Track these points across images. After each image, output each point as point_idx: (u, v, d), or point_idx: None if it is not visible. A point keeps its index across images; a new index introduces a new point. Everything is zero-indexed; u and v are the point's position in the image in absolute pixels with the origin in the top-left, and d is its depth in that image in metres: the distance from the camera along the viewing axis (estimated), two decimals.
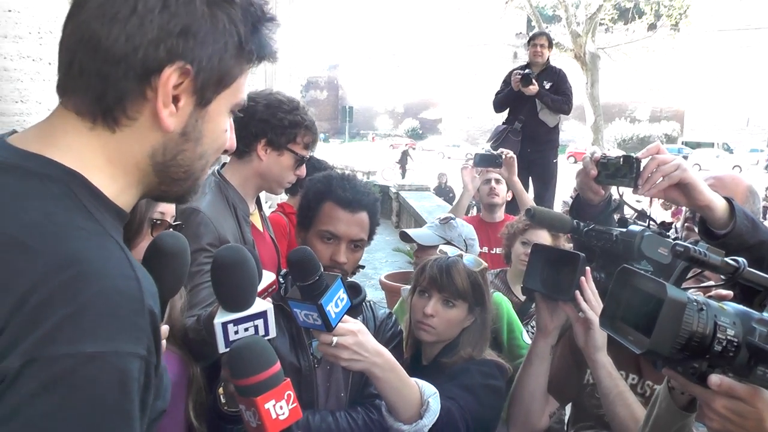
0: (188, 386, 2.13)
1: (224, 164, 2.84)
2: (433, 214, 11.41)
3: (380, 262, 11.21)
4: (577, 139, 47.04)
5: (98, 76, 1.01)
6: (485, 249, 4.47)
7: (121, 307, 0.92)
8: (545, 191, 7.49)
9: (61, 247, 0.92)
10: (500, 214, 4.74)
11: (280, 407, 1.32)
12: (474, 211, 11.06)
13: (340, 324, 1.75)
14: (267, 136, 2.73)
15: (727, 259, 1.34)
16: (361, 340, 1.80)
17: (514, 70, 8.09)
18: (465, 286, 2.41)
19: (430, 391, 1.96)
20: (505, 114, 7.84)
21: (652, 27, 34.10)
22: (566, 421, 2.59)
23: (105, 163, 1.05)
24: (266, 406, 1.31)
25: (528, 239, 3.41)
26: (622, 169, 2.03)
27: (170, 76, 1.01)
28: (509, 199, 4.80)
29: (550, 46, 7.84)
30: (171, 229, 2.07)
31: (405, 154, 36.23)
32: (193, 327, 2.03)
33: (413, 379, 1.95)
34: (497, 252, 4.53)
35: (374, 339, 1.87)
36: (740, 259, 1.34)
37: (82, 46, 1.01)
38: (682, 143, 55.28)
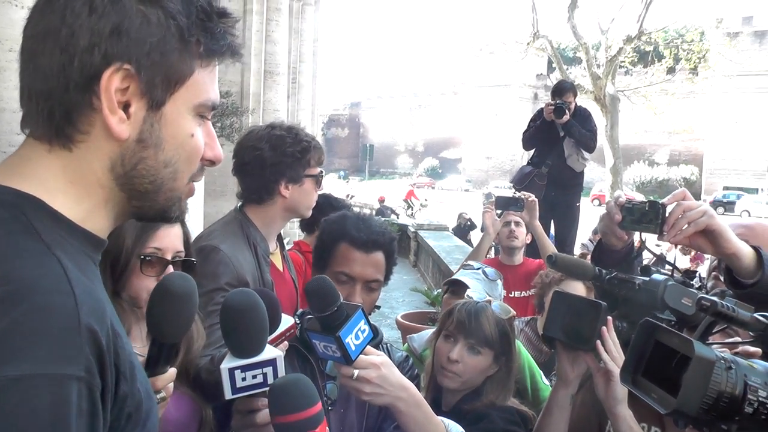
0: (198, 429, 2.09)
1: (243, 203, 2.83)
2: (451, 255, 11.38)
3: (397, 301, 11.16)
4: (596, 181, 47.03)
5: (44, 95, 0.98)
6: (504, 292, 4.43)
7: (52, 325, 0.86)
8: (567, 234, 7.44)
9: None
10: (519, 257, 4.71)
11: None
12: (492, 253, 11.01)
13: (361, 356, 1.68)
14: (286, 176, 2.73)
15: (756, 315, 1.30)
16: (384, 373, 1.73)
17: (542, 109, 8.07)
18: (492, 333, 2.37)
19: (456, 429, 1.90)
20: (528, 154, 7.81)
21: (671, 70, 34.15)
22: None
23: (67, 186, 1.01)
24: None
25: (563, 289, 3.35)
26: (648, 215, 2.00)
27: (110, 79, 0.97)
28: (528, 242, 4.76)
29: (575, 96, 7.76)
30: (181, 268, 2.06)
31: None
32: (206, 367, 1.99)
33: (439, 417, 1.88)
34: (515, 295, 4.49)
35: (399, 372, 1.80)
36: None
37: (27, 70, 1.00)
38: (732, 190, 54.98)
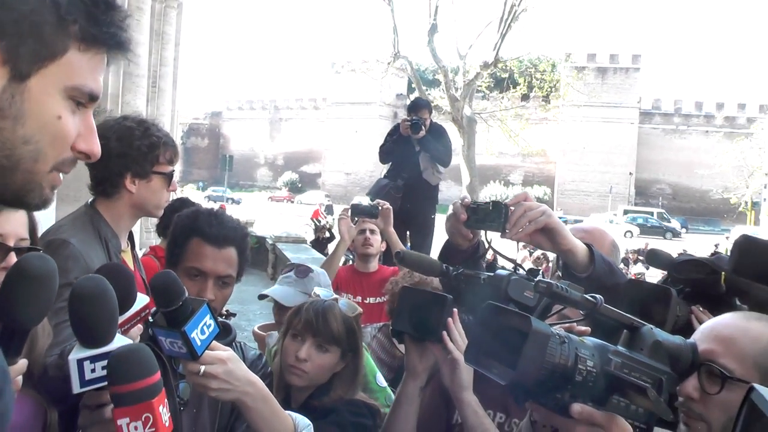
0: None
1: (95, 199, 2.72)
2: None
3: (254, 314, 10.99)
4: (454, 199, 48.46)
5: None
6: (359, 298, 4.49)
7: None
8: (422, 244, 7.62)
9: None
10: (374, 264, 4.78)
11: (134, 427, 1.24)
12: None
13: (207, 352, 1.66)
14: (131, 170, 2.63)
15: (585, 295, 1.41)
16: (231, 368, 1.72)
17: (398, 124, 8.28)
18: (340, 331, 2.39)
19: (304, 423, 1.90)
20: (385, 168, 7.98)
21: (525, 97, 35.86)
22: None
23: None
24: (119, 422, 1.24)
25: None
26: (491, 215, 2.11)
27: None
28: (383, 249, 4.85)
29: (430, 113, 8.05)
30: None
31: (329, 208, 35.38)
32: (55, 363, 1.88)
33: (287, 412, 1.89)
34: (370, 301, 4.56)
35: (246, 367, 1.79)
36: (597, 296, 1.42)
37: None
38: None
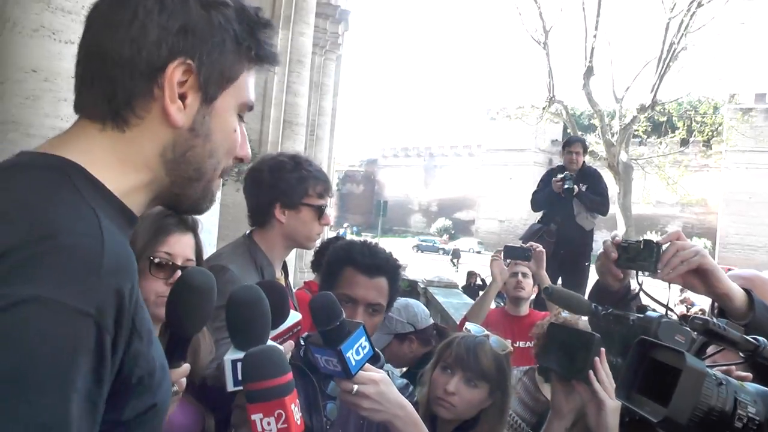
0: None
1: (252, 230, 2.91)
2: (459, 311, 11.32)
3: None
4: None
5: (108, 80, 1.08)
6: (508, 342, 4.43)
7: (75, 264, 0.91)
8: (577, 292, 7.44)
9: (37, 215, 0.94)
10: (525, 308, 4.72)
11: (267, 423, 1.30)
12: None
13: (361, 372, 1.73)
14: (280, 200, 2.79)
15: (746, 336, 1.36)
16: (383, 390, 1.77)
17: (551, 169, 8.21)
18: (490, 367, 2.40)
19: None
20: (539, 214, 7.91)
21: (684, 142, 34.25)
22: None
23: (115, 162, 1.10)
24: (253, 417, 1.30)
25: None
26: (643, 254, 2.06)
27: (174, 71, 1.08)
28: (536, 293, 4.79)
29: (585, 151, 7.95)
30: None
31: (456, 253, 36.04)
32: (213, 374, 2.04)
33: None
34: (520, 345, 4.49)
35: (397, 391, 1.84)
36: (760, 337, 1.36)
37: (92, 57, 1.10)
38: None
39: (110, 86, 1.08)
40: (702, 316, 1.39)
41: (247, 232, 2.90)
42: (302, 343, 2.13)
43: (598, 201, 7.53)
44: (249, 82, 1.19)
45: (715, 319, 1.38)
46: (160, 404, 1.10)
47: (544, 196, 7.67)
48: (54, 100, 3.62)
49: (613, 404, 1.96)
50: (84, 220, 0.98)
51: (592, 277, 7.74)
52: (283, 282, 2.96)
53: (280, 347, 1.52)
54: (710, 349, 1.84)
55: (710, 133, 29.13)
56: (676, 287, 2.16)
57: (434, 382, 2.44)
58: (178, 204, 1.22)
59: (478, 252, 66.53)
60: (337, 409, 2.14)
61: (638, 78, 25.26)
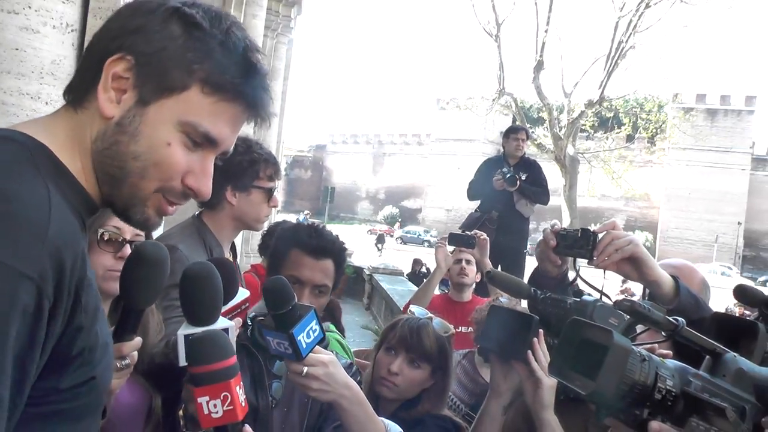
0: (147, 417, 2.16)
1: (201, 211, 2.92)
2: (405, 298, 11.43)
3: (349, 341, 11.14)
4: None
5: (80, 69, 1.21)
6: (451, 327, 4.52)
7: (18, 229, 0.97)
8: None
9: None
10: (468, 294, 4.82)
11: (213, 405, 1.32)
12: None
13: (311, 354, 1.77)
14: (231, 183, 2.81)
15: (668, 317, 1.44)
16: (331, 371, 1.82)
17: (488, 159, 8.32)
18: (433, 349, 2.47)
19: (395, 429, 1.99)
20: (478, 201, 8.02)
21: (630, 138, 34.95)
22: None
23: (67, 142, 1.17)
24: (200, 400, 1.33)
25: None
26: (580, 241, 2.15)
27: (113, 63, 1.14)
28: (478, 280, 4.89)
29: (528, 139, 8.10)
30: None
31: (382, 237, 36.38)
32: (161, 351, 2.06)
33: (380, 418, 1.98)
34: (462, 330, 4.58)
35: (344, 372, 1.89)
36: (680, 318, 1.44)
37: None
38: None
39: (80, 74, 1.19)
40: (629, 298, 1.47)
41: (196, 213, 2.91)
42: (249, 321, 2.15)
43: (539, 192, 7.68)
44: (203, 106, 1.18)
45: (640, 301, 1.46)
46: (98, 378, 1.15)
47: (483, 191, 7.75)
48: None
49: (549, 382, 2.04)
50: (35, 194, 1.03)
51: (530, 263, 7.95)
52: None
53: (228, 325, 1.54)
54: (638, 329, 1.95)
55: (654, 130, 29.84)
56: (615, 275, 2.25)
57: (378, 363, 2.50)
58: (112, 206, 1.24)
59: (426, 240, 67.00)
60: (282, 389, 2.18)
61: (587, 74, 25.74)
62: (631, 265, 2.11)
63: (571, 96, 25.90)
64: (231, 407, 1.34)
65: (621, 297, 2.34)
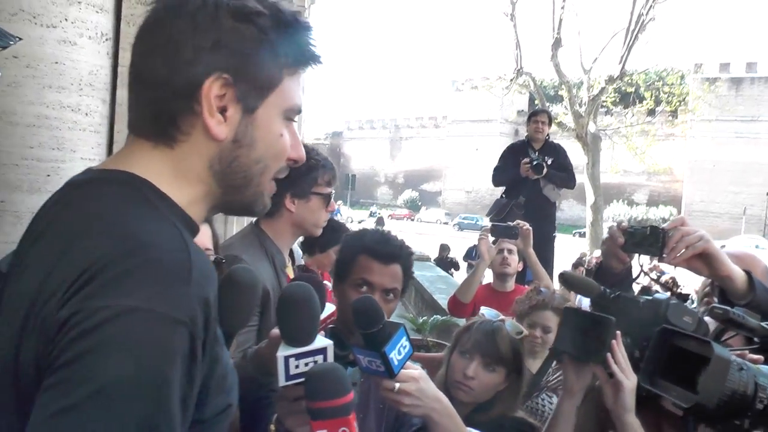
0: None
1: (259, 219, 2.91)
2: (434, 284, 11.48)
3: None
4: (576, 219, 47.56)
5: (151, 101, 1.12)
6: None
7: (167, 275, 0.97)
8: (544, 264, 7.55)
9: (121, 229, 1.00)
10: (511, 284, 4.82)
11: None
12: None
13: (402, 371, 1.76)
14: (290, 190, 2.79)
15: (764, 323, 1.42)
16: (422, 386, 1.81)
17: (512, 145, 8.27)
18: (507, 352, 2.47)
19: None
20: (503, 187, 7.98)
21: (651, 112, 34.65)
22: None
23: (170, 176, 1.13)
24: None
25: (533, 321, 3.47)
26: (649, 239, 2.12)
27: (210, 87, 1.09)
28: (520, 269, 4.88)
29: (550, 123, 8.04)
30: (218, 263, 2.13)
31: (380, 220, 36.35)
32: (238, 363, 2.06)
33: (468, 429, 1.97)
34: None
35: (434, 385, 1.88)
36: None
37: (135, 81, 1.14)
38: None
39: (154, 107, 1.12)
40: (722, 306, 1.44)
41: (253, 221, 2.90)
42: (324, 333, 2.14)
43: (565, 177, 7.63)
44: (293, 87, 1.20)
45: (734, 309, 1.44)
46: (233, 405, 1.17)
47: (509, 178, 7.71)
48: (37, 87, 3.57)
49: (630, 385, 2.00)
50: (168, 234, 1.03)
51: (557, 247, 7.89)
52: (290, 268, 2.98)
53: (326, 344, 1.54)
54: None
55: (677, 103, 29.50)
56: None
57: (452, 366, 2.50)
58: (231, 209, 1.27)
59: (445, 223, 66.98)
60: (357, 395, 2.18)
61: (606, 49, 25.47)
62: (702, 262, 2.07)
63: (591, 72, 25.69)
64: None
65: (653, 275, 2.32)
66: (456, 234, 46.65)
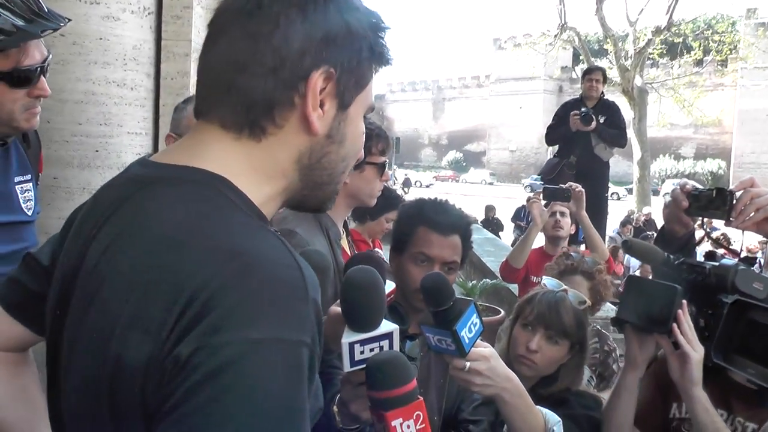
0: None
1: None
2: (482, 247, 11.39)
3: None
4: (622, 174, 46.66)
5: (247, 90, 1.05)
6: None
7: (286, 296, 0.93)
8: (597, 225, 7.47)
9: (221, 242, 0.94)
10: (564, 247, 4.73)
11: (407, 426, 1.30)
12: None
13: (473, 349, 1.74)
14: None
15: None
16: (493, 365, 1.78)
17: (566, 103, 8.14)
18: (571, 324, 2.40)
19: (554, 419, 1.94)
20: (555, 147, 7.87)
21: (699, 62, 33.75)
22: None
23: (250, 171, 1.08)
24: (393, 423, 1.30)
25: (566, 282, 3.40)
26: (715, 202, 2.04)
27: (317, 81, 1.06)
28: (573, 232, 4.81)
29: (605, 80, 7.88)
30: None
31: (407, 182, 36.23)
32: None
33: (537, 407, 1.93)
34: None
35: (504, 364, 1.85)
36: None
37: (230, 66, 1.06)
38: None
39: (249, 96, 1.05)
40: None
41: None
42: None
43: (616, 134, 7.51)
44: (372, 85, 1.18)
45: None
46: (322, 407, 1.17)
47: (560, 134, 7.61)
48: (84, 64, 3.58)
49: (697, 357, 1.93)
50: (273, 245, 0.99)
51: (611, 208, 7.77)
52: (345, 239, 2.95)
53: (392, 329, 1.50)
54: None
55: (727, 52, 28.62)
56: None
57: (515, 340, 2.43)
58: (303, 205, 1.22)
59: (490, 183, 66.52)
60: (417, 371, 2.15)
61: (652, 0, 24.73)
62: None
63: (636, 24, 25.06)
64: (423, 425, 1.32)
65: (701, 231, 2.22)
66: (500, 194, 46.31)
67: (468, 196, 42.44)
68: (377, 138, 2.79)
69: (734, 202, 1.99)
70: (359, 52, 1.10)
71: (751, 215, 1.96)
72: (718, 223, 2.44)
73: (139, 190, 1.05)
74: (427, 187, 58.15)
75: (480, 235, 13.56)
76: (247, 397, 0.86)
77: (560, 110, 8.00)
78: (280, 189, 1.12)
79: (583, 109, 7.30)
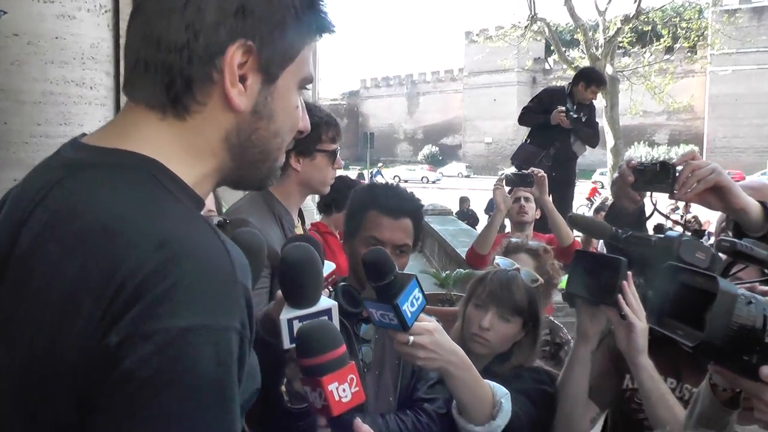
0: None
1: None
2: (457, 238, 11.46)
3: None
4: (597, 163, 46.96)
5: (165, 67, 1.02)
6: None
7: (214, 282, 0.92)
8: (564, 212, 7.55)
9: (151, 231, 0.93)
10: (529, 232, 4.75)
11: (342, 390, 1.32)
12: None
13: (416, 323, 1.75)
14: (294, 149, 2.75)
15: None
16: (437, 338, 1.80)
17: (552, 91, 8.20)
18: (523, 302, 2.42)
19: (501, 391, 1.97)
20: (525, 132, 7.94)
21: (669, 50, 33.98)
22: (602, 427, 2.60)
23: (180, 152, 1.06)
24: (330, 387, 1.32)
25: (511, 260, 3.43)
26: (659, 176, 2.08)
27: (233, 55, 1.02)
28: (537, 217, 4.84)
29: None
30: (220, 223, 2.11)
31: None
32: None
33: (485, 380, 1.97)
34: None
35: (449, 337, 1.87)
36: None
37: (145, 42, 1.03)
38: None
39: (168, 73, 1.03)
40: (729, 238, 1.41)
41: None
42: (331, 289, 2.13)
43: (591, 134, 7.61)
44: (308, 55, 1.14)
45: (741, 240, 1.40)
46: (259, 387, 1.16)
47: (536, 122, 7.66)
48: (40, 63, 3.57)
49: (642, 326, 1.98)
50: (202, 233, 0.98)
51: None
52: (300, 228, 2.97)
53: (330, 305, 1.53)
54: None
55: (695, 39, 28.89)
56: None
57: (468, 319, 2.46)
58: (241, 184, 1.19)
59: (467, 176, 66.74)
60: (372, 352, 2.18)
61: None
62: (715, 195, 2.02)
63: (606, 13, 25.19)
64: (357, 389, 1.34)
65: (676, 215, 2.28)
66: (477, 186, 46.47)
67: (444, 189, 42.55)
68: (327, 126, 2.81)
69: (677, 175, 2.03)
70: (282, 22, 1.06)
71: (692, 187, 2.00)
72: (695, 208, 2.48)
73: (71, 174, 1.02)
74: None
75: (455, 227, 13.64)
76: (177, 385, 0.87)
77: (543, 94, 8.06)
78: (212, 169, 1.10)
79: (570, 107, 7.36)
